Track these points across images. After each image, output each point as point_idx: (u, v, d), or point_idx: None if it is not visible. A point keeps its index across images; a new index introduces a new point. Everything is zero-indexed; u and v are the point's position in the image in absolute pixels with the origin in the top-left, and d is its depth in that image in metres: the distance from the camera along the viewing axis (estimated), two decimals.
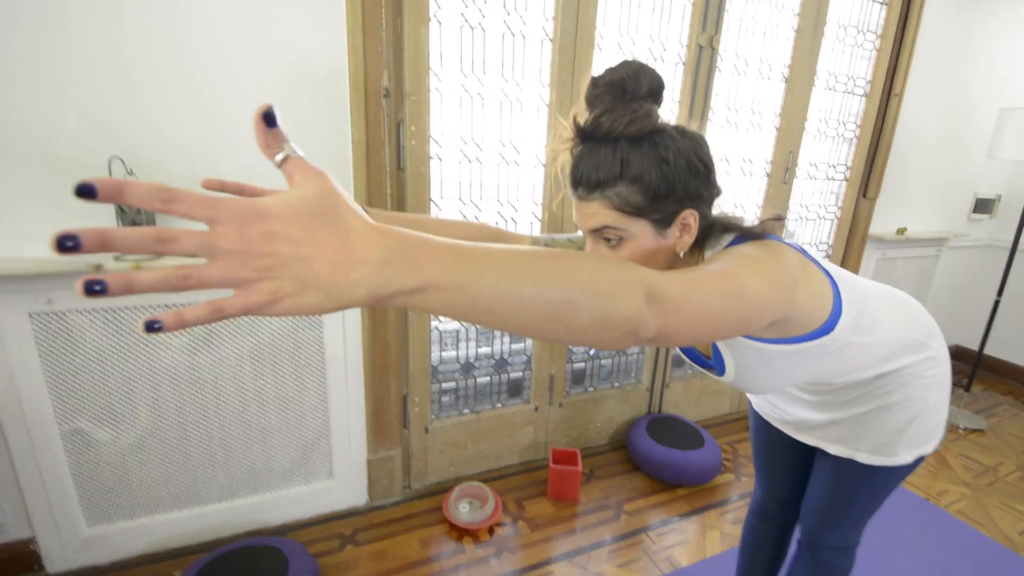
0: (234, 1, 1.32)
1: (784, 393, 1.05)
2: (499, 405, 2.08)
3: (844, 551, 1.12)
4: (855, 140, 2.50)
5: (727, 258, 0.63)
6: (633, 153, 0.66)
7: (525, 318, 0.39)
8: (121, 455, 1.50)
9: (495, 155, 1.77)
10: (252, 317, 1.52)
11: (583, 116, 0.70)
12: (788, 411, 1.07)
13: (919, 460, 0.98)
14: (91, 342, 1.39)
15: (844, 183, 2.56)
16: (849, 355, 0.83)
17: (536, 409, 2.12)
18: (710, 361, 0.86)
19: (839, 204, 2.59)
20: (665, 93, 0.71)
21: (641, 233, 0.69)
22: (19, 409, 1.36)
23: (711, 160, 0.72)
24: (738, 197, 2.28)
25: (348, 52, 1.44)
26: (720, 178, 0.75)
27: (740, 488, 2.05)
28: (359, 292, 0.34)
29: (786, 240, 0.75)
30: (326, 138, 1.50)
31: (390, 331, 1.72)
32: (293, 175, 0.35)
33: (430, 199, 1.70)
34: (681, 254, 0.74)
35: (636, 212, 0.68)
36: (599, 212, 0.69)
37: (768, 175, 2.30)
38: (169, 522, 1.61)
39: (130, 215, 1.28)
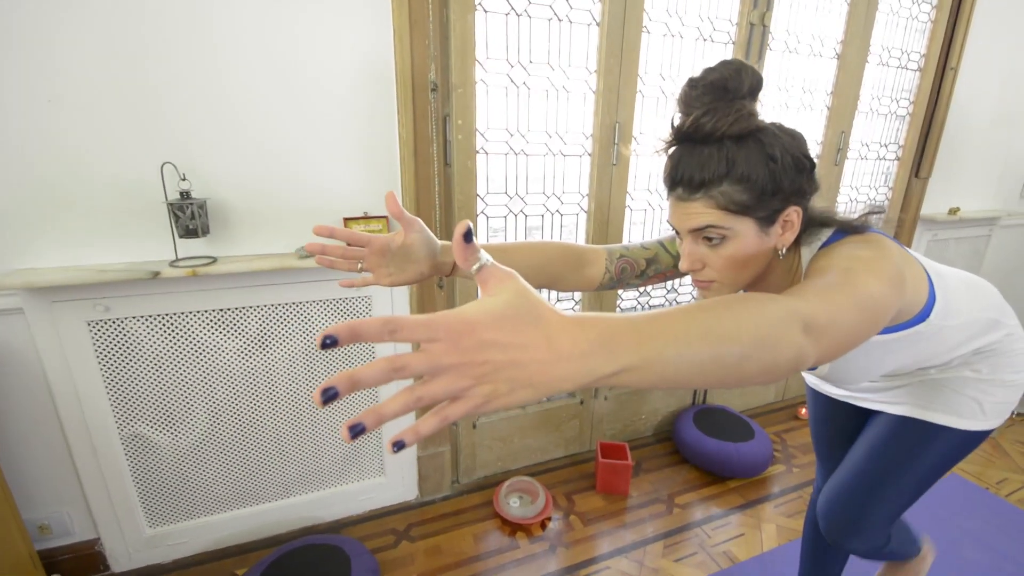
0: (287, 9, 1.29)
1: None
2: (545, 400, 2.06)
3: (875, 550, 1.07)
4: (908, 117, 2.39)
5: (841, 263, 0.62)
6: (739, 152, 0.66)
7: (704, 379, 0.41)
8: (180, 457, 1.52)
9: (541, 146, 1.72)
10: (301, 318, 1.51)
11: (678, 117, 0.70)
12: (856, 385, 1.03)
13: (986, 433, 0.94)
14: (148, 348, 1.39)
15: (895, 163, 2.45)
16: (940, 339, 0.83)
17: (582, 403, 2.09)
18: None
19: (890, 185, 2.49)
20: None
21: (745, 231, 0.69)
22: (80, 415, 1.38)
23: (811, 156, 0.72)
24: None
25: (395, 47, 1.39)
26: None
27: (792, 480, 2.02)
28: (567, 385, 0.36)
29: (877, 230, 0.74)
30: (378, 137, 1.47)
31: None
32: (487, 281, 0.37)
33: (476, 194, 1.66)
34: (783, 251, 0.73)
35: (741, 210, 0.68)
36: (703, 212, 0.69)
37: (818, 157, 2.22)
38: (228, 520, 1.63)
39: (184, 220, 1.27)
